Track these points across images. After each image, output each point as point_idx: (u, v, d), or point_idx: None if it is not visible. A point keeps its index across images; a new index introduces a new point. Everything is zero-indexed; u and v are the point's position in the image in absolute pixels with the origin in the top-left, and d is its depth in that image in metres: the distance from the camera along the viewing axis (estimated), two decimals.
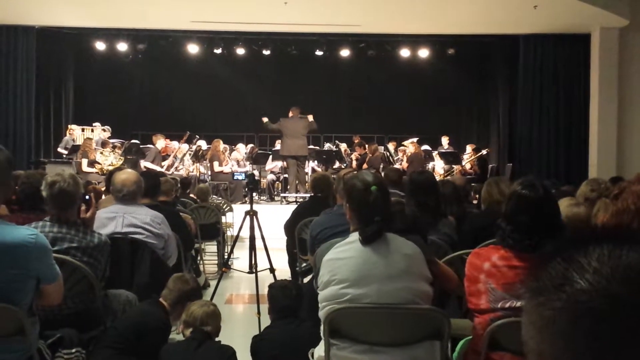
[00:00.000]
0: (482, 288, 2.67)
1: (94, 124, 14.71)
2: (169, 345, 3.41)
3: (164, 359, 3.21)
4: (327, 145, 15.25)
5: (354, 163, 13.60)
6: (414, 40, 14.38)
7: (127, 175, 4.34)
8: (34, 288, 2.64)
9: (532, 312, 0.72)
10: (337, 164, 13.55)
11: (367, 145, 13.80)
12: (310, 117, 12.36)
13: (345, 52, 14.77)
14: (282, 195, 12.92)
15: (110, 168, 10.41)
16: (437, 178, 7.16)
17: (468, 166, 13.47)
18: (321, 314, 2.71)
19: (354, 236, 2.70)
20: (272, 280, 4.54)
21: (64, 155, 13.26)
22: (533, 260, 0.77)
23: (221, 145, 13.26)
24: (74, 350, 2.94)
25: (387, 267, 2.62)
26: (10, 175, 2.64)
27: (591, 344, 0.66)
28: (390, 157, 13.80)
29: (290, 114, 12.26)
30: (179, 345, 3.36)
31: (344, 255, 2.68)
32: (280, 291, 3.78)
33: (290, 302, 3.73)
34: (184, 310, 3.48)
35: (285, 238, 5.99)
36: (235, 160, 13.60)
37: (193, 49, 14.45)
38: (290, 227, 5.68)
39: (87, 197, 3.44)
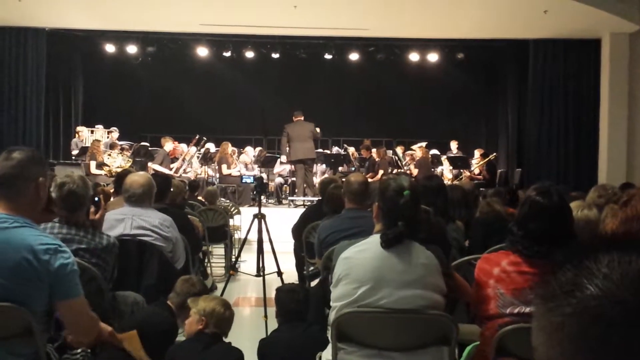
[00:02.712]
0: (491, 293, 2.66)
1: (96, 126, 14.74)
2: (177, 344, 3.41)
3: (171, 357, 3.22)
4: (335, 149, 15.26)
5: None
6: (423, 45, 14.35)
7: (138, 177, 4.34)
8: (48, 295, 2.52)
9: (542, 318, 0.72)
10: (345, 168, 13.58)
11: (374, 150, 13.79)
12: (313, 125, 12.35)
13: (354, 56, 14.77)
14: (290, 198, 12.93)
15: (119, 170, 10.45)
16: (446, 183, 7.16)
17: (477, 171, 13.43)
18: (331, 315, 2.71)
19: (375, 237, 2.69)
20: (280, 284, 4.53)
21: (73, 157, 13.32)
22: (543, 266, 0.77)
23: (229, 148, 13.28)
24: (79, 351, 2.93)
25: (402, 273, 2.61)
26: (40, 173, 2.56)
27: (600, 349, 0.66)
28: (399, 162, 13.79)
29: (295, 119, 12.25)
30: (187, 344, 3.36)
31: (361, 255, 2.68)
32: (288, 294, 3.78)
33: (298, 305, 3.73)
34: (201, 301, 3.44)
35: (293, 241, 6.00)
36: (243, 163, 13.61)
37: (202, 51, 14.47)
38: (298, 231, 5.69)
39: (96, 198, 3.46)
